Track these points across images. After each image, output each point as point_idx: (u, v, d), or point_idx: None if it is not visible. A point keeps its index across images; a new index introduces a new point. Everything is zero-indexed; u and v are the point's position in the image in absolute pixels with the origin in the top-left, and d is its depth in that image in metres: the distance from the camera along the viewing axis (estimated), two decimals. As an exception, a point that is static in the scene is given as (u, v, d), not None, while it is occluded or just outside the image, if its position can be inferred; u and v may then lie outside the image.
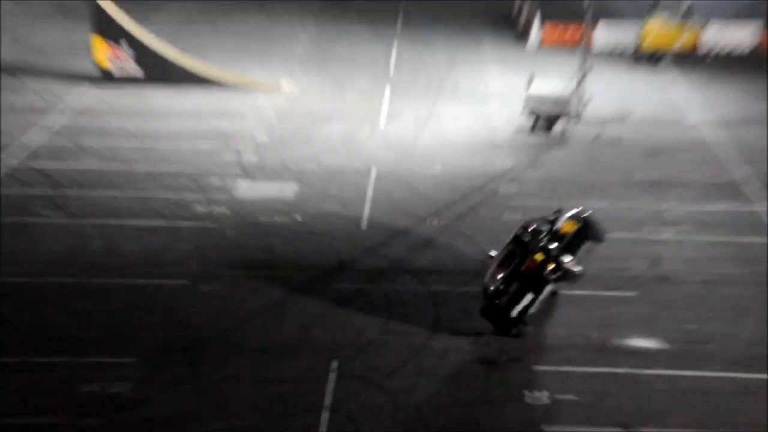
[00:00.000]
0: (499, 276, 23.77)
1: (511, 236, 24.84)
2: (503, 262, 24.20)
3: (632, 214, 31.57)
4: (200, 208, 31.52)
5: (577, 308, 25.40)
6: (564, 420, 20.83)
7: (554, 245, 23.81)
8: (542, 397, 21.62)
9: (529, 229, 24.34)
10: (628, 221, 30.86)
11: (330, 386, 22.08)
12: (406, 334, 24.35)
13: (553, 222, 24.77)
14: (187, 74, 43.61)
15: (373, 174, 34.76)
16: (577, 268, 24.12)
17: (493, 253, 25.02)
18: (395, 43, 52.58)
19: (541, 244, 23.78)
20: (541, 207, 29.41)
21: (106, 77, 43.92)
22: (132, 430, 20.52)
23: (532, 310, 23.91)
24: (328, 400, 21.53)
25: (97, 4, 43.59)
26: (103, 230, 29.77)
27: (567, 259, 23.88)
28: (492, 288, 23.79)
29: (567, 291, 25.38)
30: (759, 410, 21.14)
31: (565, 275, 23.80)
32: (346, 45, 52.24)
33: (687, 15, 50.45)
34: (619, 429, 20.54)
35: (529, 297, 23.61)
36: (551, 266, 23.52)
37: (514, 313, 23.69)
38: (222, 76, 44.10)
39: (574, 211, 25.40)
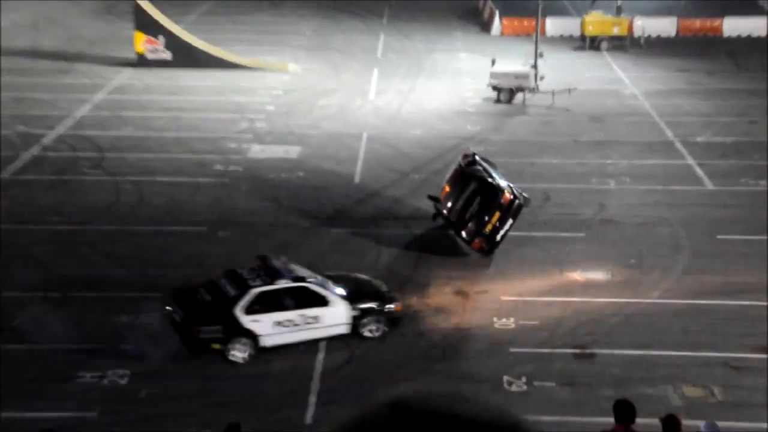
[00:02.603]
0: (477, 212, 23.59)
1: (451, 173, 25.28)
2: (469, 201, 23.95)
3: (581, 168, 30.71)
4: (219, 167, 30.61)
5: (537, 248, 24.47)
6: (527, 343, 20.00)
7: (506, 182, 24.11)
8: (509, 323, 20.78)
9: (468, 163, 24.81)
10: (577, 174, 30.16)
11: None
12: (392, 270, 23.38)
13: (472, 163, 24.83)
14: (210, 58, 42.76)
15: (364, 137, 33.91)
16: (528, 196, 24.19)
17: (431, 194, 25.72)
18: (381, 36, 51.73)
19: (502, 183, 23.94)
20: (505, 164, 28.91)
21: (141, 60, 43.01)
22: (159, 354, 19.42)
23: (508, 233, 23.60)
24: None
25: (138, 4, 42.92)
26: (137, 186, 28.84)
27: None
28: (474, 223, 23.59)
29: (527, 233, 24.76)
30: (691, 330, 20.52)
31: (526, 202, 23.73)
32: (341, 35, 51.38)
33: (618, 11, 49.50)
34: (574, 350, 19.72)
35: (509, 222, 23.37)
36: (518, 198, 23.54)
37: (498, 237, 23.37)
38: (237, 59, 43.34)
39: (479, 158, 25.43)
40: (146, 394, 18.03)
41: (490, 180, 24.10)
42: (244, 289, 19.14)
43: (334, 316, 19.59)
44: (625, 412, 12.20)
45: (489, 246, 23.63)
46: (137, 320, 20.67)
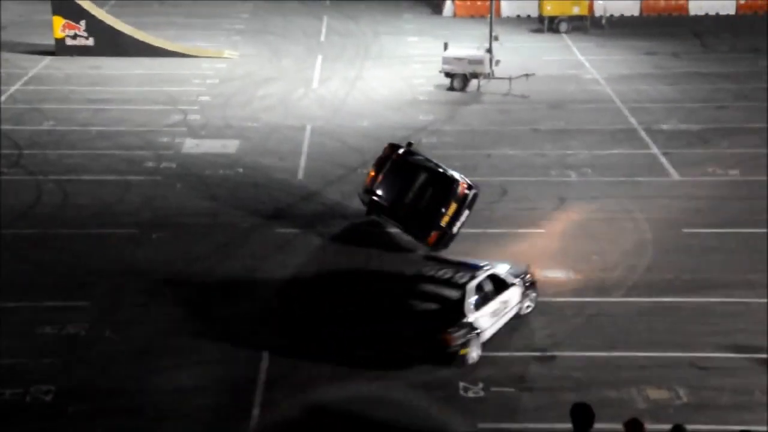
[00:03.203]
0: (430, 205, 24.21)
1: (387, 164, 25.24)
2: (420, 193, 24.56)
3: (540, 159, 31.19)
4: (150, 164, 30.64)
5: (493, 245, 24.77)
6: (485, 347, 19.96)
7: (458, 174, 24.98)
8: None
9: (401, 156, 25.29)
10: (536, 166, 30.63)
11: (272, 325, 21.14)
12: (341, 272, 23.62)
13: (410, 153, 25.52)
14: (137, 45, 42.74)
15: (308, 130, 34.16)
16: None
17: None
18: (325, 18, 52.19)
19: (455, 174, 24.74)
20: (459, 156, 30.46)
21: (60, 47, 42.83)
22: (88, 369, 19.32)
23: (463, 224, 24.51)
24: (271, 336, 20.65)
25: None
26: (60, 185, 28.77)
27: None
28: (428, 216, 24.11)
29: (482, 229, 25.36)
30: (656, 330, 20.84)
31: (478, 191, 24.86)
32: (280, 18, 51.64)
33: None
34: (534, 353, 19.98)
35: (465, 213, 24.23)
36: (474, 187, 24.54)
37: (455, 229, 24.15)
38: (168, 45, 43.38)
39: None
40: (73, 410, 17.93)
41: (441, 170, 24.60)
42: (458, 288, 19.71)
43: (515, 296, 20.86)
44: (582, 416, 12.44)
45: (446, 239, 24.10)
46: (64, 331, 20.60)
